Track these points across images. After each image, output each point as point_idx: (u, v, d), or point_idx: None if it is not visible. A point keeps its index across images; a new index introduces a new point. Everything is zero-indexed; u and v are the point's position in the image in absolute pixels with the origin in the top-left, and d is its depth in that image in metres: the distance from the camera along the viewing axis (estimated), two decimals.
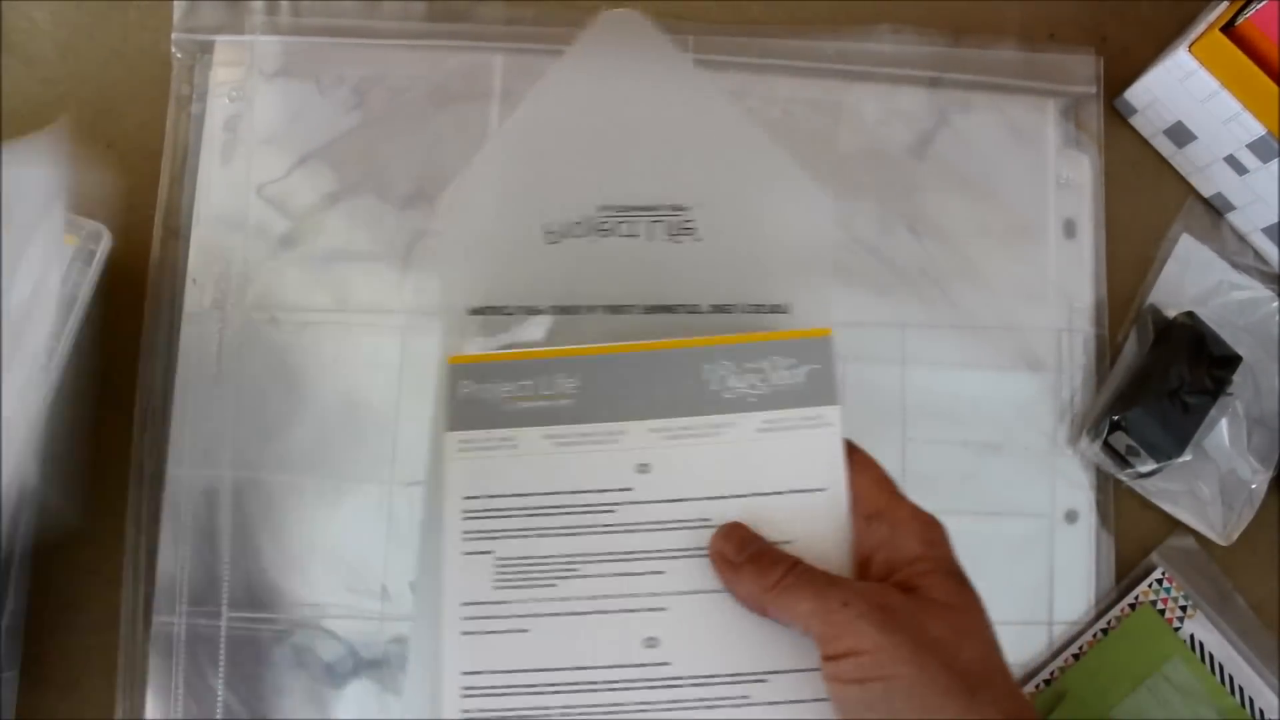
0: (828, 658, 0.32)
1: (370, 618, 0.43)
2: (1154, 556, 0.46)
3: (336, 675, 0.43)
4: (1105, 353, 0.47)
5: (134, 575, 0.43)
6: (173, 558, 0.43)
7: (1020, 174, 0.47)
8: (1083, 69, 0.48)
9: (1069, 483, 0.46)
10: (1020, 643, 0.44)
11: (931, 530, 0.34)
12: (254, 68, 0.45)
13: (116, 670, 0.43)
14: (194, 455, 0.43)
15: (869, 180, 0.46)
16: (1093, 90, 0.48)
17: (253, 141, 0.45)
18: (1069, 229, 0.47)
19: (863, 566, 0.34)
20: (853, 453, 0.35)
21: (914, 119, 0.47)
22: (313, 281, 0.44)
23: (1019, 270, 0.46)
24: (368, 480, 0.44)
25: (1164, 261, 0.48)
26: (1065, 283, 0.47)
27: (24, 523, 0.42)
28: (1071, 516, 0.45)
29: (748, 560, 0.34)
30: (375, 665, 0.43)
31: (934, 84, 0.47)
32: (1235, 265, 0.48)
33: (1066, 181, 0.47)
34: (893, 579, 0.33)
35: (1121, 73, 0.48)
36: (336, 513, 0.43)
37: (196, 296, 0.44)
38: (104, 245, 0.39)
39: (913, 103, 0.47)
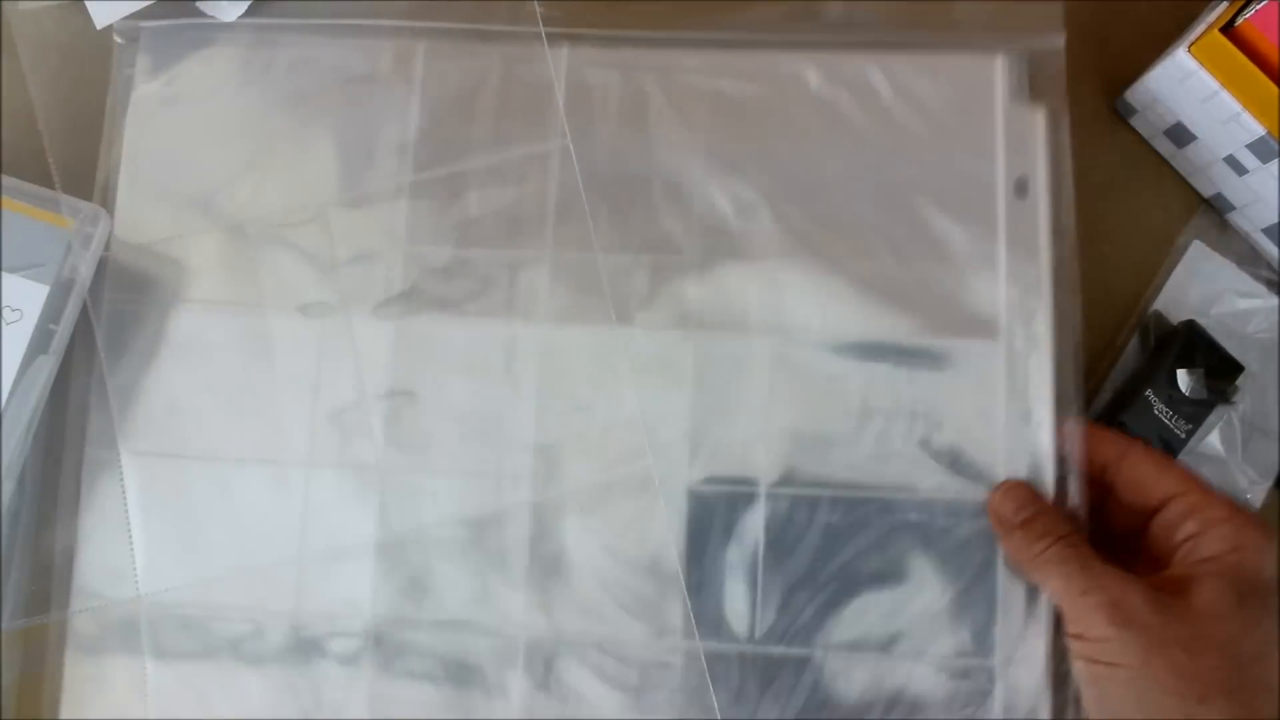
0: (1066, 633, 0.37)
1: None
2: None
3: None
4: (1067, 321, 0.43)
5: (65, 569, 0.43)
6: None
7: (966, 131, 0.45)
8: (1046, 17, 0.45)
9: (1021, 457, 0.42)
10: (970, 624, 0.42)
11: (1243, 536, 0.36)
12: (186, 51, 0.45)
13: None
14: (143, 438, 0.43)
15: (812, 148, 0.45)
16: (1059, 41, 0.44)
17: (182, 123, 0.45)
18: (1020, 188, 0.44)
19: (1161, 549, 0.38)
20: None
21: (857, 82, 0.45)
22: (242, 263, 0.44)
23: (965, 232, 0.44)
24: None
25: (1171, 268, 0.48)
26: (1016, 245, 0.44)
27: (25, 515, 0.43)
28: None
29: (1020, 525, 0.39)
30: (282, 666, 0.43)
31: (875, 45, 0.45)
32: (1244, 273, 0.48)
33: (1019, 139, 0.44)
34: (1170, 572, 0.37)
35: (1122, 73, 0.48)
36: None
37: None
38: (101, 227, 0.39)
39: (855, 68, 0.45)
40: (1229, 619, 0.35)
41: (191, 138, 0.45)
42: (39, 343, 0.40)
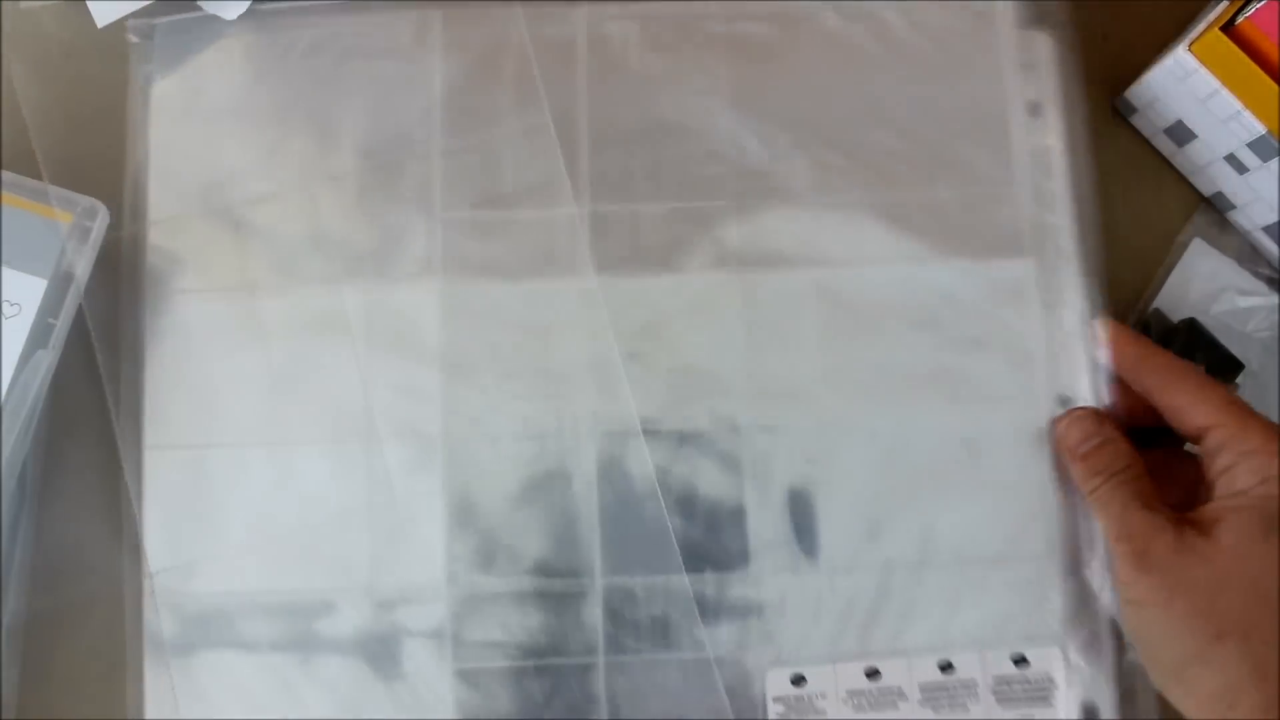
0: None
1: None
2: None
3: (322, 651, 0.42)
4: (1089, 237, 0.45)
5: (133, 565, 0.43)
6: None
7: (977, 58, 0.46)
8: None
9: (1061, 367, 0.44)
10: (1024, 531, 0.43)
11: (1274, 466, 0.36)
12: (201, 43, 0.45)
13: (126, 668, 0.43)
14: (168, 433, 0.43)
15: (832, 83, 0.46)
16: None
17: (205, 116, 0.45)
18: (1033, 109, 0.46)
19: (1207, 480, 0.39)
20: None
21: (871, 17, 0.46)
22: (279, 248, 0.44)
23: (986, 155, 0.45)
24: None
25: (1171, 267, 0.48)
26: (1035, 163, 0.45)
27: (25, 513, 0.43)
28: (1065, 401, 0.44)
29: (1081, 458, 0.40)
30: (363, 643, 0.43)
31: None
32: (1244, 271, 0.48)
33: (1027, 62, 0.46)
34: (1206, 507, 0.37)
35: (1122, 72, 0.48)
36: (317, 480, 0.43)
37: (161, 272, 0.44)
38: (100, 221, 0.39)
39: (869, 5, 0.47)
40: (1252, 556, 0.35)
41: (218, 128, 0.45)
42: (38, 337, 0.40)
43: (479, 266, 0.44)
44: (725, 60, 0.46)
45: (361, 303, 0.44)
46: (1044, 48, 0.46)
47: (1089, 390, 0.43)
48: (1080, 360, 0.44)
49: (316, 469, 0.43)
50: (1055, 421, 0.43)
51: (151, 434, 0.43)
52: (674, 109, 0.45)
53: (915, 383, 0.44)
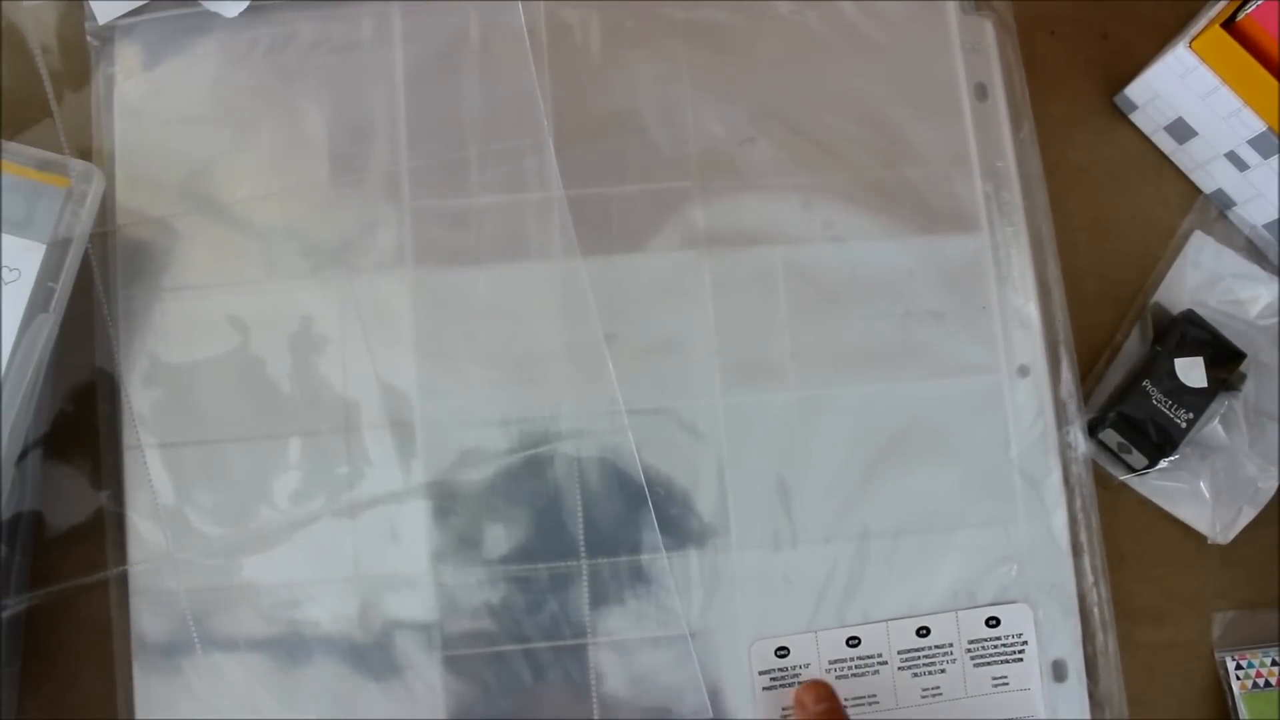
0: None
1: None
2: (1217, 655, 0.45)
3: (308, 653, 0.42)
4: (1035, 220, 0.47)
5: (118, 563, 0.43)
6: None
7: (927, 42, 0.48)
8: None
9: (1018, 338, 0.45)
10: (988, 495, 0.45)
11: None
12: (163, 45, 0.46)
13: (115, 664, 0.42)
14: (150, 432, 0.43)
15: (790, 68, 0.47)
16: None
17: (170, 116, 0.45)
18: (980, 92, 0.47)
19: None
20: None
21: (823, 3, 0.48)
22: (249, 244, 0.44)
23: (938, 135, 0.47)
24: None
25: (1171, 260, 0.48)
26: (985, 144, 0.47)
27: (30, 494, 0.42)
28: (1024, 370, 0.45)
29: (810, 717, 0.41)
30: (350, 635, 0.42)
31: None
32: (1244, 261, 0.48)
33: (973, 47, 0.48)
34: None
35: (1122, 69, 0.48)
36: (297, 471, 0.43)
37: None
38: (95, 184, 0.39)
39: None
40: None
41: (184, 128, 0.45)
42: (39, 301, 0.40)
43: (450, 254, 0.44)
44: (685, 46, 0.47)
45: (335, 295, 0.44)
46: (987, 31, 0.48)
47: (1043, 359, 0.45)
48: (1035, 330, 0.45)
49: (297, 462, 0.43)
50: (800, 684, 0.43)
51: (132, 433, 0.43)
52: (636, 95, 0.46)
53: (881, 356, 0.45)
